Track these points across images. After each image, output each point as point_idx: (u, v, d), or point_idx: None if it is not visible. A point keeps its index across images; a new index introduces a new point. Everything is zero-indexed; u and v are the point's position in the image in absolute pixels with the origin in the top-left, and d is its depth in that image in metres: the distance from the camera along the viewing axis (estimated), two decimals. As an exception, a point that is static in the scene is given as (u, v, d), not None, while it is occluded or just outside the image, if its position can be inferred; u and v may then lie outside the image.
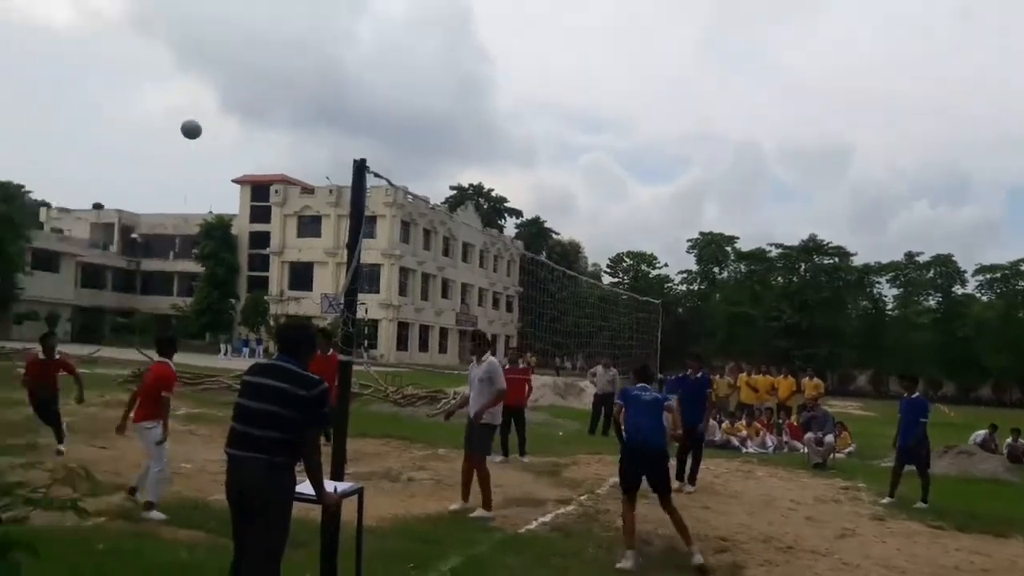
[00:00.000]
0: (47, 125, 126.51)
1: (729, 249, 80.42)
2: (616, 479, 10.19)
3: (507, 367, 12.00)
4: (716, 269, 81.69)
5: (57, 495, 3.97)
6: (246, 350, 49.72)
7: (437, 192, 75.80)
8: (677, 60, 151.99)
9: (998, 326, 69.21)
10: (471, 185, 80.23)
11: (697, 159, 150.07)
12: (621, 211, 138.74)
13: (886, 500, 9.98)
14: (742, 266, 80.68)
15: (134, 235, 67.88)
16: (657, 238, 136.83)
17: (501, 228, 79.04)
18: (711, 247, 79.82)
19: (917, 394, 10.74)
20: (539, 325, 18.15)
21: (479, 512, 7.51)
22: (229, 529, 3.99)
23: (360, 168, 4.68)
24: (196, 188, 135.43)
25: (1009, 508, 9.93)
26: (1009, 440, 16.43)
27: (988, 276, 73.77)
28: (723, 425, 16.07)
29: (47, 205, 67.81)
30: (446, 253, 64.55)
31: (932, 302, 75.03)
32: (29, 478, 4.05)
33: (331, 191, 56.78)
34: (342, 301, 4.75)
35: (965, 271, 73.84)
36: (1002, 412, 38.96)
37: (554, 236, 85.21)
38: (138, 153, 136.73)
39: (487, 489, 7.60)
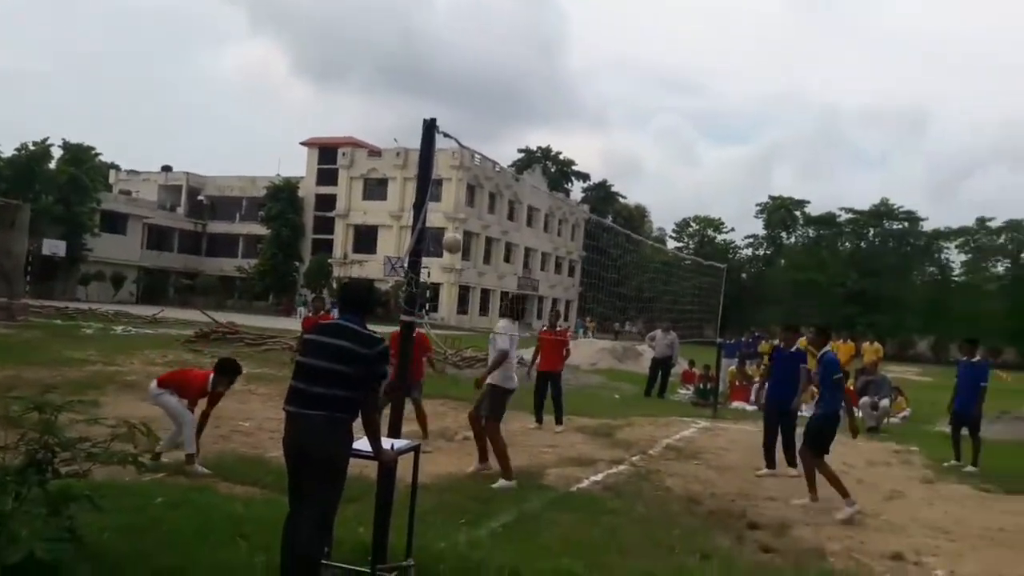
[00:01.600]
0: (117, 87, 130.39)
1: (798, 214, 78.57)
2: (668, 440, 10.51)
3: (544, 329, 12.04)
4: (784, 234, 79.96)
5: (118, 450, 4.20)
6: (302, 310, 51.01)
7: (504, 155, 75.66)
8: (758, 19, 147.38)
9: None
10: (539, 148, 79.79)
11: (773, 122, 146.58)
12: (692, 175, 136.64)
13: (950, 463, 9.99)
14: (810, 231, 78.83)
15: (201, 197, 69.21)
16: (727, 203, 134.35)
17: (568, 192, 78.60)
18: (780, 211, 78.00)
19: (977, 358, 10.61)
20: (600, 288, 18.26)
21: (500, 483, 7.20)
22: (285, 484, 4.13)
23: (430, 127, 4.62)
24: (265, 151, 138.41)
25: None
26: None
27: (1061, 242, 70.44)
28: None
29: (116, 167, 69.20)
30: (511, 217, 64.41)
31: (1001, 268, 72.11)
32: (91, 433, 4.24)
33: (398, 154, 57.27)
34: (406, 262, 4.70)
35: (1038, 236, 70.58)
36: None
37: (621, 200, 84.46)
38: (207, 115, 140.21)
39: (502, 459, 7.34)
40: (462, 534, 5.32)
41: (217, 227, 68.41)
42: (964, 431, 10.16)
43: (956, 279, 73.76)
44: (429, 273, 48.74)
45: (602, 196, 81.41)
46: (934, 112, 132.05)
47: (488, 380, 7.65)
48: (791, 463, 8.79)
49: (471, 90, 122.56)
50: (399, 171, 57.41)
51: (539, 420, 11.04)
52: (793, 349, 9.19)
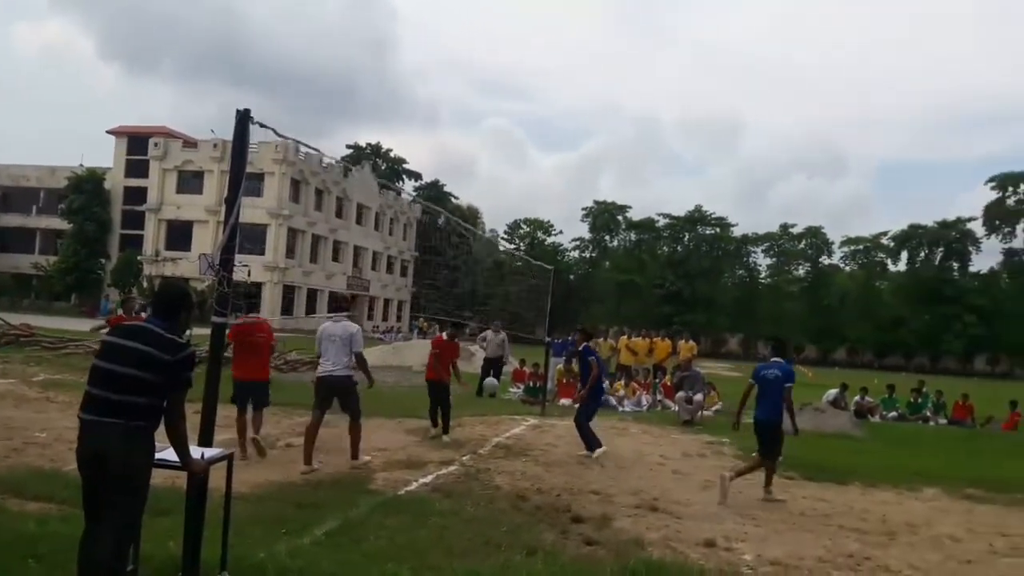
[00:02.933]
0: None
1: (621, 218, 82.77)
2: (498, 439, 10.61)
3: (442, 337, 11.55)
4: (608, 237, 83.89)
5: None
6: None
7: (333, 152, 73.46)
8: (584, 29, 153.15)
9: (858, 296, 74.68)
10: (369, 145, 78.68)
11: (598, 129, 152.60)
12: (522, 178, 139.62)
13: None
14: (632, 235, 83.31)
15: (-8, 187, 62.89)
16: (556, 206, 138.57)
17: (399, 191, 77.99)
18: (604, 215, 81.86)
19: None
20: (435, 288, 18.17)
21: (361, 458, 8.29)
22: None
23: (243, 117, 4.46)
24: (67, 139, 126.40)
25: (852, 460, 10.91)
26: (857, 398, 17.94)
27: (852, 248, 79.23)
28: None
29: None
30: (339, 214, 62.73)
31: (801, 271, 79.81)
32: None
33: (215, 145, 53.99)
34: (217, 260, 4.54)
35: (833, 242, 78.98)
36: (855, 373, 42.13)
37: (453, 200, 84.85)
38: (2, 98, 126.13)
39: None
40: (282, 544, 5.12)
41: (10, 220, 62.15)
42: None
43: (762, 281, 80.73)
44: (250, 272, 46.50)
45: (434, 196, 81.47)
46: (744, 123, 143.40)
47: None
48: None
49: (297, 84, 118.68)
50: (216, 163, 54.22)
51: (435, 424, 10.70)
52: (582, 347, 11.06)
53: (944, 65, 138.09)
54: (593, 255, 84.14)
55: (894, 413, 18.54)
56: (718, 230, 79.57)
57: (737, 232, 79.87)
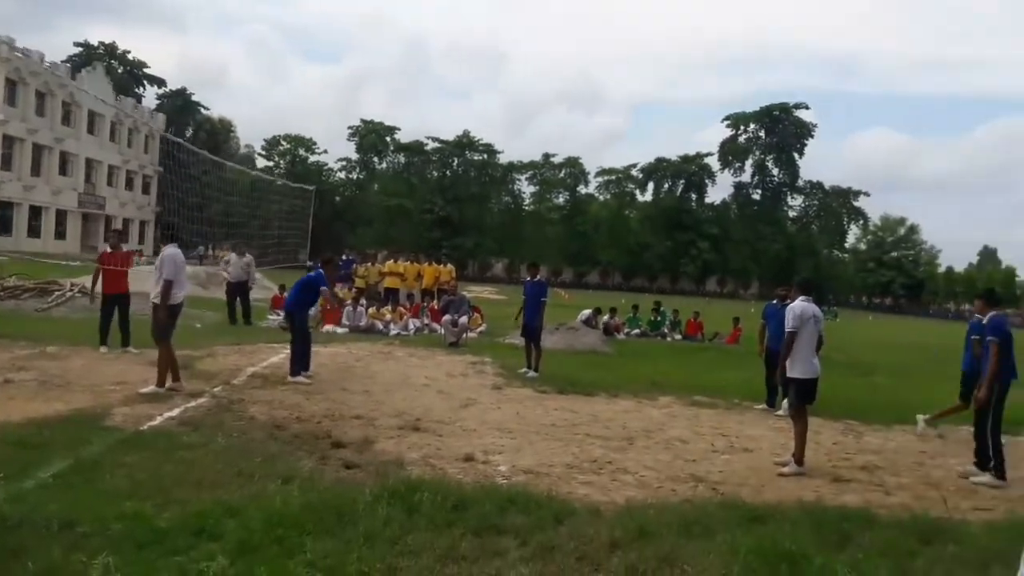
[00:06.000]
0: None
1: (389, 140, 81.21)
2: (254, 368, 10.11)
3: (107, 252, 11.36)
4: (376, 159, 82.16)
5: None
6: None
7: (57, 48, 64.18)
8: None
9: (611, 223, 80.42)
10: (102, 44, 69.71)
11: (365, 45, 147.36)
12: (283, 91, 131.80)
13: (523, 370, 11.30)
14: (401, 157, 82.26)
15: None
16: (319, 123, 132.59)
17: (139, 98, 70.20)
18: (372, 136, 79.79)
19: (539, 278, 12.21)
20: (181, 211, 16.63)
21: (149, 388, 8.10)
22: None
23: None
24: None
25: (599, 374, 11.82)
26: (606, 318, 19.41)
27: (606, 179, 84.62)
28: (369, 311, 16.56)
29: None
30: (66, 122, 54.90)
31: (561, 199, 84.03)
32: None
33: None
34: None
35: (589, 172, 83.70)
36: (606, 294, 45.73)
37: (203, 111, 78.20)
38: None
39: (162, 369, 8.15)
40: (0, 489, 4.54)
41: None
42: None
43: (526, 208, 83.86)
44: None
45: (180, 105, 74.64)
46: (510, 53, 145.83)
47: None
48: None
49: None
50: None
51: (103, 342, 10.81)
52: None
53: (691, 9, 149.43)
54: (361, 177, 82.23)
55: (637, 330, 20.35)
56: (486, 156, 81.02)
57: (503, 159, 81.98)
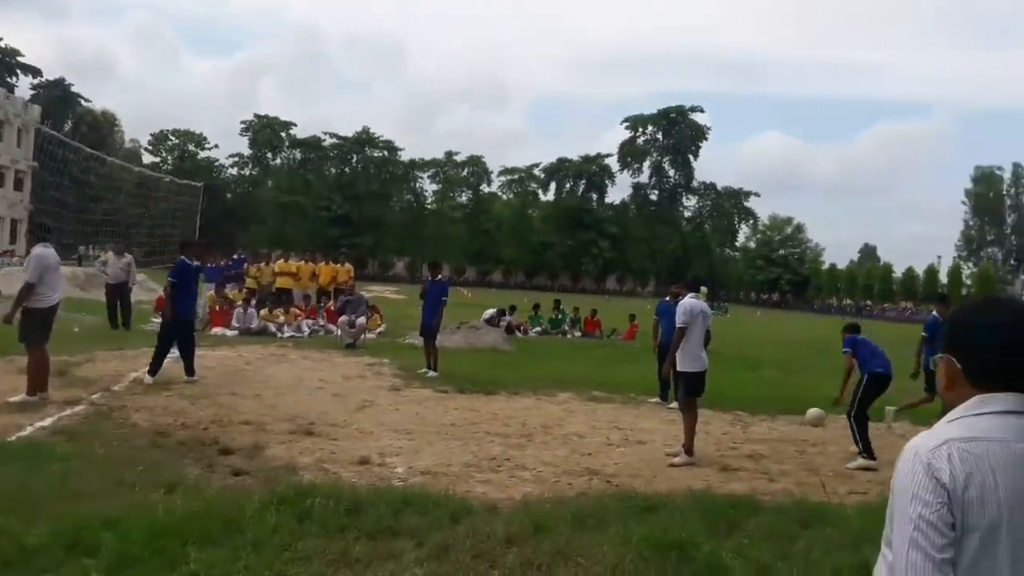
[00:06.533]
0: None
1: (284, 135, 79.14)
2: (136, 374, 9.60)
3: None
4: (270, 155, 79.91)
5: None
6: None
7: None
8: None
9: (513, 222, 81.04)
10: (-31, 29, 64.81)
11: (258, 37, 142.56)
12: (171, 84, 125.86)
13: (422, 371, 11.17)
14: (297, 153, 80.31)
15: None
16: (210, 118, 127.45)
17: (11, 88, 65.63)
18: (266, 131, 77.58)
19: (440, 277, 12.12)
20: (60, 211, 15.60)
21: (21, 396, 7.52)
22: None
23: None
24: None
25: (500, 372, 11.84)
26: (509, 318, 19.52)
27: (508, 178, 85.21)
28: (261, 312, 16.04)
29: None
30: (-74, 112, 50.94)
31: (464, 198, 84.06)
32: None
33: None
34: None
35: (492, 171, 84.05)
36: (508, 292, 46.02)
37: (84, 103, 73.83)
38: None
39: (32, 377, 7.60)
40: None
41: None
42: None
43: (428, 206, 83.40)
44: None
45: (59, 96, 70.31)
46: (411, 47, 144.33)
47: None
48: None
49: None
50: None
51: None
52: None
53: (595, 11, 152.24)
54: (254, 173, 79.74)
55: (539, 328, 20.54)
56: (386, 153, 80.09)
57: (405, 157, 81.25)
